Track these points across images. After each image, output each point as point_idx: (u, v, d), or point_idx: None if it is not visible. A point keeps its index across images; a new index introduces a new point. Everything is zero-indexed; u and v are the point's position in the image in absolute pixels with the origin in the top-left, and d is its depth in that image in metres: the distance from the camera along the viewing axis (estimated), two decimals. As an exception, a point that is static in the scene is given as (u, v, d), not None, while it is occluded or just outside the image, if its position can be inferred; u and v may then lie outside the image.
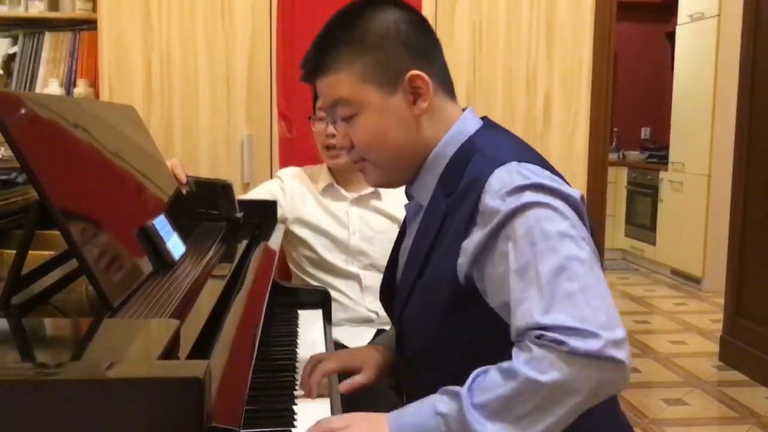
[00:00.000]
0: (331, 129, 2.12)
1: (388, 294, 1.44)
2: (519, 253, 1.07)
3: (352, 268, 2.18)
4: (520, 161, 1.14)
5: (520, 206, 1.08)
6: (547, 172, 1.15)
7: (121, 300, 0.98)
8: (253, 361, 1.00)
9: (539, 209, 1.07)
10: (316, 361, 1.36)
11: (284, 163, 2.56)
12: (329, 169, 2.22)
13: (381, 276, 2.18)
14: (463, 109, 1.30)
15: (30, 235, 0.97)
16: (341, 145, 1.31)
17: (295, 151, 2.58)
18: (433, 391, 1.10)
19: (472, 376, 1.08)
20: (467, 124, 1.26)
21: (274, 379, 1.40)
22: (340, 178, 2.23)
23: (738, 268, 3.76)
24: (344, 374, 1.38)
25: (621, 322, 1.04)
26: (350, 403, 1.37)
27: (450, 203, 1.20)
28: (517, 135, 1.30)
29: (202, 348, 0.91)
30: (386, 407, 1.49)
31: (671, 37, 6.05)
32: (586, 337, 1.00)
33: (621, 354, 1.00)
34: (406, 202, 2.23)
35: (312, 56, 1.27)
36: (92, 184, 1.17)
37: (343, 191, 2.21)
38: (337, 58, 1.23)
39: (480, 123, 1.29)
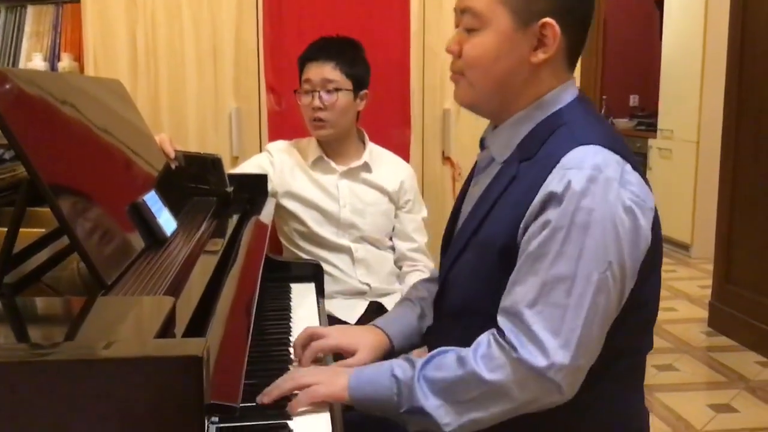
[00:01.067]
0: (317, 102, 2.11)
1: (445, 244, 1.42)
2: (545, 242, 1.09)
3: (343, 241, 2.18)
4: (603, 146, 1.13)
5: (577, 199, 1.07)
6: (628, 166, 1.13)
7: (114, 278, 0.98)
8: (250, 336, 1.00)
9: (585, 214, 1.07)
10: (309, 335, 1.35)
11: (273, 136, 2.54)
12: (318, 141, 2.21)
13: (371, 248, 2.22)
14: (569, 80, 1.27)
15: (21, 214, 0.96)
16: (451, 50, 1.25)
17: (285, 123, 2.56)
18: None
19: (433, 352, 1.16)
20: (563, 95, 1.24)
21: (268, 354, 1.40)
22: (329, 150, 2.22)
23: (726, 234, 3.78)
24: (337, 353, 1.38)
25: (587, 353, 1.08)
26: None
27: (522, 168, 1.19)
28: (601, 115, 1.27)
29: (198, 324, 0.91)
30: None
31: (659, 3, 6.02)
32: (540, 352, 1.06)
33: (564, 381, 1.07)
34: (396, 174, 2.25)
35: None
36: (82, 160, 1.15)
37: (332, 164, 2.20)
38: None
39: (575, 95, 1.25)
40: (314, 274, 1.94)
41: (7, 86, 1.01)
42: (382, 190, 2.23)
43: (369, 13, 2.57)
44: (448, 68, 2.59)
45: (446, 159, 2.69)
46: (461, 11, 1.23)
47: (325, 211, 2.18)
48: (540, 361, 1.05)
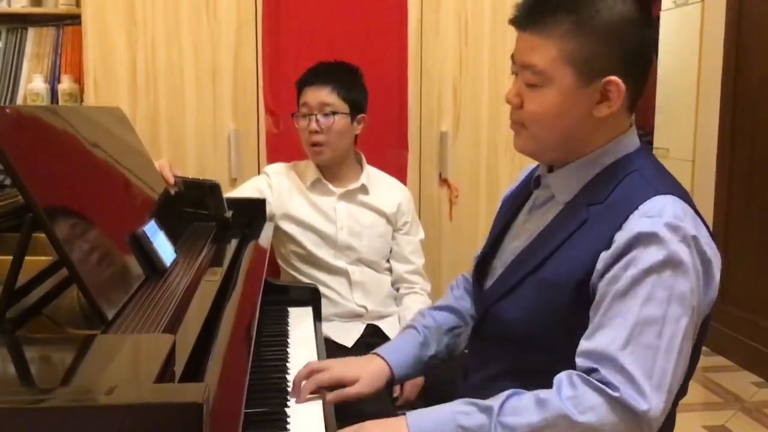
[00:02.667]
0: (314, 125, 2.13)
1: (482, 270, 1.41)
2: (632, 283, 1.08)
3: (341, 264, 2.19)
4: (678, 197, 1.14)
5: (662, 242, 1.08)
6: (699, 221, 1.15)
7: (115, 311, 0.99)
8: (249, 369, 1.01)
9: (675, 260, 1.08)
10: (310, 370, 1.35)
11: (272, 158, 2.56)
12: (316, 164, 2.22)
13: (369, 271, 2.22)
14: (630, 125, 1.27)
15: (24, 247, 0.97)
16: (510, 101, 1.25)
17: (283, 145, 2.57)
18: (495, 381, 1.16)
19: (505, 394, 1.10)
20: (628, 141, 1.24)
21: (266, 381, 1.41)
22: (327, 172, 2.23)
23: (722, 253, 3.79)
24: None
25: (671, 396, 1.06)
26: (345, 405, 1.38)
27: (593, 212, 1.19)
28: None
29: (198, 358, 0.92)
30: (378, 406, 1.51)
31: (655, 22, 6.06)
32: (641, 394, 1.03)
33: (652, 424, 1.04)
34: (393, 196, 2.26)
35: (533, 7, 1.20)
36: (81, 190, 1.16)
37: (330, 186, 2.22)
38: (556, 25, 1.17)
39: (638, 145, 1.26)
40: (312, 298, 1.95)
41: (6, 115, 1.02)
42: (379, 212, 2.25)
43: (367, 37, 2.60)
44: (447, 91, 2.61)
45: (443, 181, 2.71)
46: (522, 66, 1.22)
47: (322, 233, 2.19)
48: (641, 404, 1.02)
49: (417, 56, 2.64)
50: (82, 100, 2.66)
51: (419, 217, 2.51)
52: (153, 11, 2.54)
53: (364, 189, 2.24)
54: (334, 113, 2.13)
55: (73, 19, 2.70)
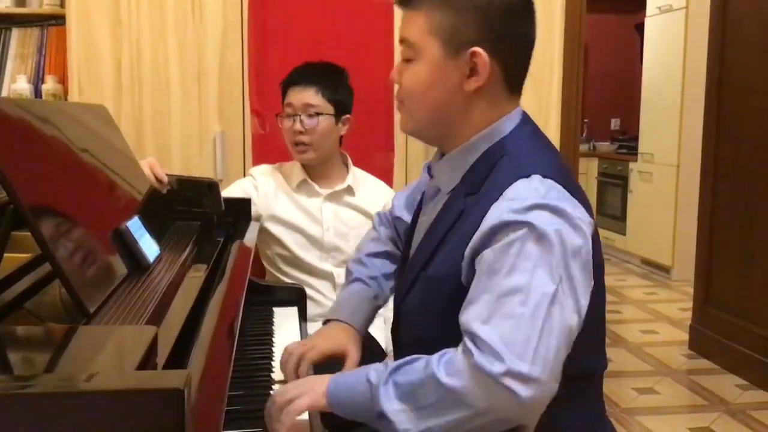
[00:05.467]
0: (298, 126, 2.13)
1: (400, 273, 1.43)
2: (497, 258, 1.10)
3: (326, 266, 2.19)
4: (543, 176, 1.15)
5: (522, 222, 1.09)
6: (566, 193, 1.15)
7: (97, 305, 0.98)
8: (231, 365, 1.01)
9: (537, 232, 1.08)
10: (299, 354, 1.36)
11: (258, 159, 2.55)
12: (302, 165, 2.22)
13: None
14: (515, 108, 1.28)
15: (3, 243, 0.96)
16: (392, 79, 1.29)
17: (269, 147, 2.57)
18: None
19: (408, 357, 1.15)
20: (506, 123, 1.25)
21: (250, 380, 1.40)
22: (313, 173, 2.23)
23: (706, 257, 3.82)
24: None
25: (546, 366, 1.04)
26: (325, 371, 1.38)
27: (468, 203, 1.21)
28: (545, 140, 1.29)
29: (180, 353, 0.91)
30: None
31: (640, 28, 6.11)
32: (495, 358, 1.03)
33: (522, 390, 1.02)
34: (379, 197, 2.26)
35: None
36: (65, 185, 1.16)
37: (316, 187, 2.22)
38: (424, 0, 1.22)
39: (518, 120, 1.26)
40: (297, 298, 1.94)
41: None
42: (365, 213, 2.24)
43: (354, 39, 2.60)
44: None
45: (429, 183, 2.71)
46: (401, 41, 1.26)
47: (308, 235, 2.19)
48: (496, 367, 1.02)
49: (403, 58, 2.64)
50: (66, 101, 2.64)
51: (405, 219, 2.50)
52: (138, 12, 2.53)
53: (350, 190, 2.24)
54: (318, 114, 2.13)
55: (57, 20, 2.69)
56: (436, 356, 1.11)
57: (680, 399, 3.29)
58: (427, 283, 1.24)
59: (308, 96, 2.13)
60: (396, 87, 1.30)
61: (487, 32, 1.20)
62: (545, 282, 1.07)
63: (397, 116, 2.62)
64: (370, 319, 1.49)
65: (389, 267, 1.55)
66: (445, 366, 1.08)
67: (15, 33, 2.73)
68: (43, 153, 1.15)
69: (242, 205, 1.99)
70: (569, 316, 1.09)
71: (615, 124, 7.13)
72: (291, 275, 2.20)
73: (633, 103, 6.38)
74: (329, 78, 2.18)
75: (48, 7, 2.72)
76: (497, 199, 1.14)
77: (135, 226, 1.27)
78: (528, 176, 1.15)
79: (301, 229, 2.19)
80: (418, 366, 1.12)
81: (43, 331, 0.94)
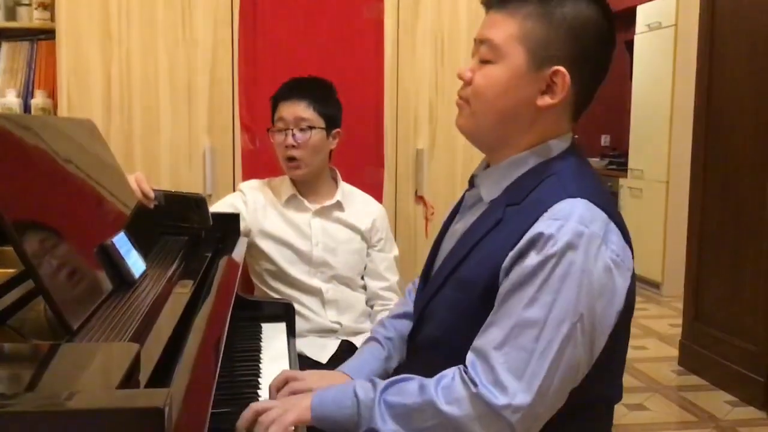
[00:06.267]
0: (290, 140, 2.13)
1: (424, 278, 1.42)
2: (521, 285, 1.10)
3: (315, 282, 2.18)
4: (592, 202, 1.14)
5: (560, 248, 1.09)
6: (613, 225, 1.15)
7: (80, 322, 0.97)
8: (215, 383, 1.00)
9: (573, 261, 1.08)
10: (285, 378, 1.35)
11: (247, 174, 2.55)
12: (292, 180, 2.22)
13: (343, 288, 2.21)
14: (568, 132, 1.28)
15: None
16: (462, 76, 1.26)
17: (258, 162, 2.57)
18: None
19: (398, 377, 1.17)
20: (558, 144, 1.25)
21: (237, 396, 1.40)
22: (303, 189, 2.23)
23: (696, 273, 3.83)
24: None
25: (547, 400, 1.08)
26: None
27: (508, 213, 1.20)
28: (592, 168, 1.28)
29: (164, 371, 0.90)
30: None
31: (630, 45, 6.14)
32: (499, 391, 1.06)
33: (519, 422, 1.06)
34: (368, 212, 2.26)
35: None
36: (49, 199, 1.15)
37: (305, 202, 2.21)
38: (521, 6, 1.20)
39: (568, 143, 1.27)
40: (285, 313, 1.93)
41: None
42: (354, 229, 2.24)
43: (344, 56, 2.60)
44: (423, 109, 2.62)
45: (419, 198, 2.72)
46: (480, 41, 1.24)
47: (297, 250, 2.18)
48: (499, 400, 1.06)
49: (393, 75, 2.66)
50: (55, 115, 2.64)
51: (395, 234, 2.51)
52: (128, 27, 2.53)
53: (339, 205, 2.24)
54: (310, 128, 2.13)
55: (47, 34, 2.69)
56: (432, 381, 1.13)
57: (670, 415, 3.28)
58: (457, 285, 1.23)
59: (300, 110, 2.13)
60: (462, 86, 1.28)
61: (575, 53, 1.19)
62: (562, 319, 1.08)
63: (389, 131, 2.64)
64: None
65: (408, 327, 1.50)
66: (443, 393, 1.10)
67: (5, 47, 2.73)
68: (29, 167, 1.14)
69: (231, 220, 1.98)
70: (581, 355, 1.10)
71: (605, 140, 7.16)
72: (279, 290, 2.19)
73: (623, 119, 6.41)
74: (319, 92, 2.18)
75: (38, 21, 2.72)
76: (541, 213, 1.13)
77: (121, 241, 1.26)
78: (575, 198, 1.14)
79: (290, 245, 2.18)
80: (411, 388, 1.14)
81: (25, 348, 0.93)
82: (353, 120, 2.32)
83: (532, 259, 1.10)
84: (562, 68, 1.19)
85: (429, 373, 1.18)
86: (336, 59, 2.59)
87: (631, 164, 5.95)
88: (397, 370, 1.42)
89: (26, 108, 2.70)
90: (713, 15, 3.68)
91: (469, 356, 1.13)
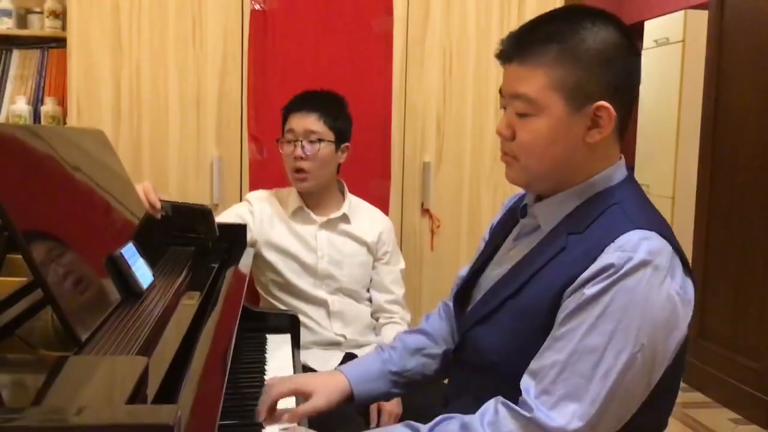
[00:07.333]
0: (299, 151, 2.13)
1: (463, 297, 1.41)
2: (582, 311, 1.10)
3: (320, 294, 2.18)
4: (658, 233, 1.14)
5: (625, 277, 1.08)
6: (678, 259, 1.15)
7: (88, 333, 0.97)
8: (223, 396, 1.00)
9: (636, 290, 1.08)
10: (268, 385, 1.37)
11: (255, 185, 2.55)
12: (299, 192, 2.22)
13: (348, 301, 2.21)
14: (620, 157, 1.27)
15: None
16: (502, 133, 1.24)
17: (266, 173, 2.57)
18: (473, 408, 1.15)
19: (438, 419, 1.15)
20: (615, 173, 1.24)
21: (242, 408, 1.39)
22: (310, 201, 2.23)
23: (701, 290, 3.82)
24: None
25: (602, 428, 1.08)
26: (318, 425, 1.37)
27: (571, 241, 1.19)
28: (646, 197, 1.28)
29: (171, 384, 0.91)
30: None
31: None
32: (556, 415, 1.06)
33: None
34: (375, 225, 2.26)
35: (519, 39, 1.21)
36: (59, 210, 1.15)
37: (312, 215, 2.22)
38: (543, 54, 1.17)
39: (625, 175, 1.26)
40: (291, 325, 1.93)
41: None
42: (360, 242, 2.24)
43: (353, 69, 2.61)
44: (431, 123, 2.62)
45: (425, 211, 2.72)
46: (511, 96, 1.22)
47: (303, 262, 2.19)
48: (555, 422, 1.05)
49: (401, 88, 2.66)
50: (64, 123, 2.65)
51: (401, 247, 2.50)
52: (139, 37, 2.55)
53: (345, 218, 2.24)
54: (320, 140, 2.13)
55: (58, 42, 2.70)
56: (476, 418, 1.12)
57: (674, 432, 3.27)
58: (515, 311, 1.22)
59: (310, 122, 2.14)
60: (502, 141, 1.26)
61: (610, 83, 1.18)
62: (622, 348, 1.07)
63: (396, 144, 2.65)
64: (375, 380, 1.45)
65: (416, 341, 1.51)
66: (492, 429, 1.10)
67: (16, 54, 2.74)
68: (38, 177, 1.15)
69: (237, 231, 1.99)
70: (639, 385, 1.10)
71: (611, 154, 7.15)
72: (285, 302, 2.19)
73: (629, 134, 6.39)
74: (330, 106, 2.19)
75: (49, 29, 2.73)
76: (609, 243, 1.12)
77: (129, 252, 1.27)
78: (643, 228, 1.13)
79: (296, 256, 2.18)
80: (454, 428, 1.13)
81: (33, 360, 0.94)
82: (361, 132, 2.33)
83: (596, 287, 1.09)
84: (604, 103, 1.17)
85: (480, 396, 1.18)
86: (344, 72, 2.60)
87: (637, 179, 5.93)
88: (450, 387, 1.42)
89: (36, 115, 2.71)
90: (721, 31, 3.69)
91: (525, 380, 1.12)
